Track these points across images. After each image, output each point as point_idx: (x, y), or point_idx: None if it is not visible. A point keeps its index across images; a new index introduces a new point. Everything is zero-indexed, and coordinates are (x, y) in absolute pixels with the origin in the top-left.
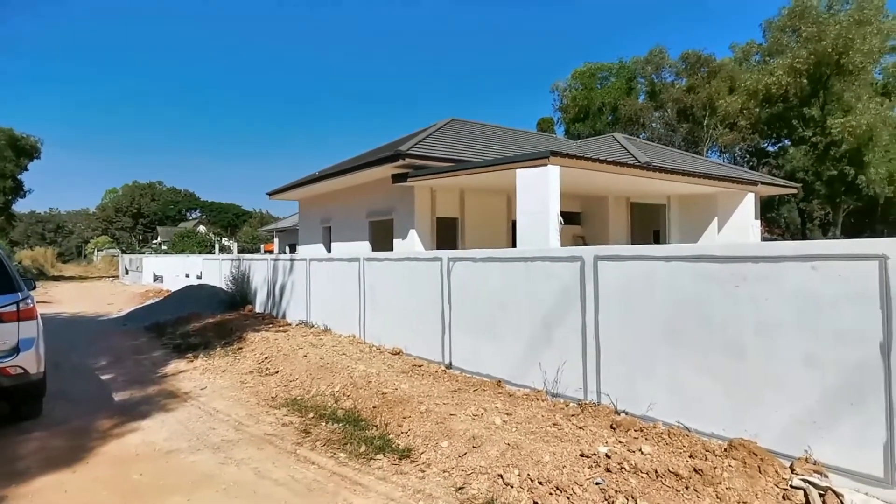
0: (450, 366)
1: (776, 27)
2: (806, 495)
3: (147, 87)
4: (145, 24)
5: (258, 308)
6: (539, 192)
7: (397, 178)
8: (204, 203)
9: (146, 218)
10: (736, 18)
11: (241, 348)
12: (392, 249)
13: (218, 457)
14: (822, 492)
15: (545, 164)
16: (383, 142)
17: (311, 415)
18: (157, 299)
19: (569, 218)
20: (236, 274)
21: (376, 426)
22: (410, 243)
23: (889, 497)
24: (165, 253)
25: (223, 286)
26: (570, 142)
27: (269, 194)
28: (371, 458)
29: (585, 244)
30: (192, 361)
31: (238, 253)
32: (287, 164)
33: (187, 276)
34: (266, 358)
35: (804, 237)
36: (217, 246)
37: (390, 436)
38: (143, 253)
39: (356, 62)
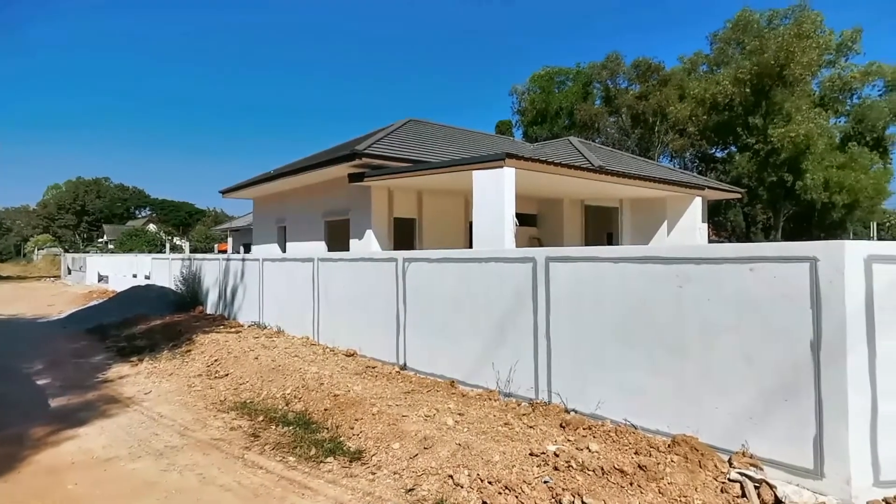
0: (404, 367)
1: (721, 39)
2: (742, 488)
3: (92, 79)
4: (94, 14)
5: (209, 309)
6: (495, 193)
7: (354, 177)
8: (154, 201)
9: (91, 216)
10: (687, 30)
11: (189, 351)
12: (348, 250)
13: (160, 463)
14: (756, 484)
15: (501, 166)
16: (340, 141)
17: (261, 418)
18: (101, 300)
19: (525, 220)
20: (186, 274)
21: (327, 429)
22: (367, 244)
23: (818, 487)
24: (112, 252)
25: (173, 287)
26: (527, 144)
27: (223, 192)
28: (321, 461)
29: (541, 245)
30: (136, 365)
31: (190, 252)
32: (243, 161)
33: (135, 276)
34: (216, 360)
35: (748, 240)
36: (168, 245)
37: (341, 438)
38: (88, 252)
39: (319, 62)
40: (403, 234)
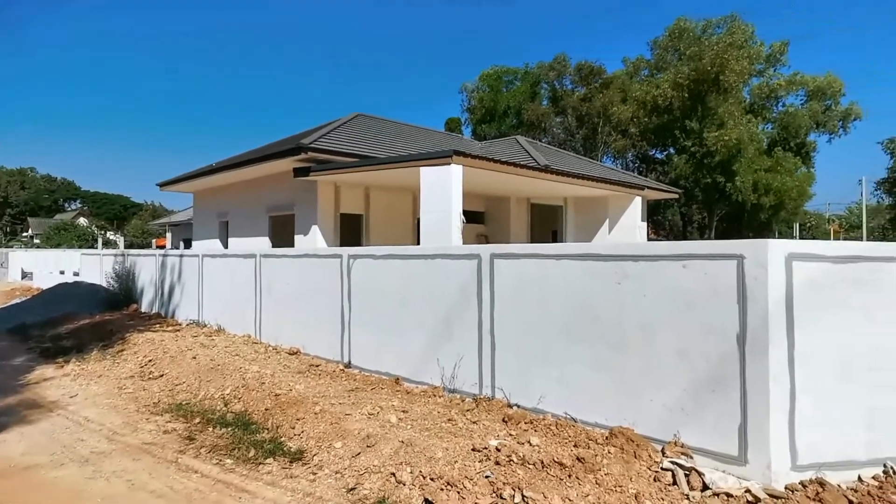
0: (349, 365)
1: (660, 45)
2: (674, 476)
3: (16, 62)
4: None
5: (145, 307)
6: (442, 190)
7: (299, 172)
8: (86, 193)
9: (15, 208)
10: (630, 35)
11: (122, 351)
12: (293, 246)
13: (85, 471)
14: (686, 472)
15: (448, 164)
16: (287, 135)
17: (198, 420)
18: (24, 298)
19: (473, 217)
20: (120, 270)
21: (268, 429)
22: (312, 240)
23: (742, 473)
24: (38, 247)
25: (105, 284)
26: (475, 142)
27: (160, 185)
28: (260, 463)
29: (488, 242)
30: (61, 367)
31: (126, 248)
32: (185, 153)
33: (62, 272)
34: (150, 361)
35: (685, 238)
36: (100, 240)
37: (282, 438)
38: (11, 247)
39: (267, 55)
40: (350, 230)
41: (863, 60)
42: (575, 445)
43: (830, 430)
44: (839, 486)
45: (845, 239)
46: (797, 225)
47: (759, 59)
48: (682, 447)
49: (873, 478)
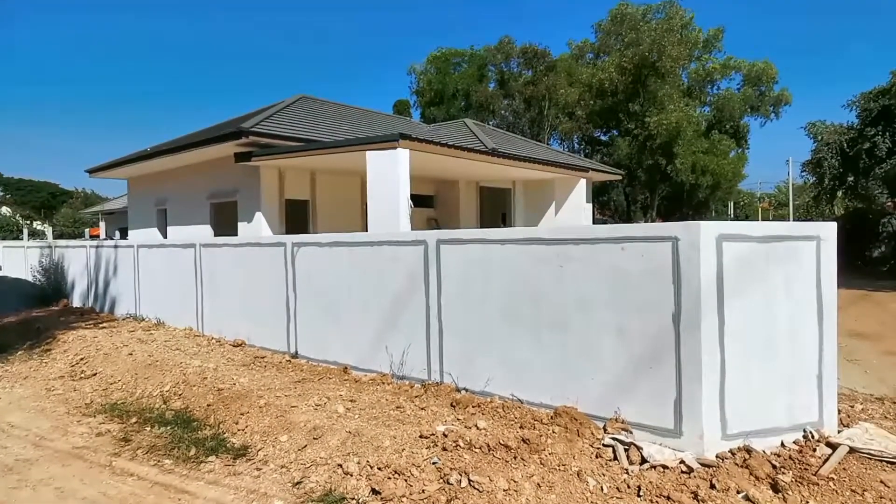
0: (295, 355)
1: (603, 29)
2: (614, 451)
3: None
4: None
5: (77, 302)
6: (390, 175)
7: (241, 157)
8: (9, 180)
9: None
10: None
11: (49, 350)
12: (237, 234)
13: (9, 480)
14: (626, 447)
15: (395, 147)
16: (227, 116)
17: (134, 420)
18: None
19: (422, 201)
20: (47, 264)
21: (210, 426)
22: (257, 227)
23: (677, 445)
24: None
25: (30, 278)
26: (423, 126)
27: (90, 172)
28: (202, 462)
29: (438, 226)
30: None
31: (55, 239)
32: (118, 136)
33: None
34: (82, 359)
35: (629, 218)
36: (26, 231)
37: (225, 435)
38: None
39: (198, 25)
40: (296, 217)
41: (794, 47)
42: (521, 427)
43: (756, 399)
44: (764, 451)
45: (774, 216)
46: (731, 203)
47: (696, 46)
48: (622, 423)
49: (794, 442)
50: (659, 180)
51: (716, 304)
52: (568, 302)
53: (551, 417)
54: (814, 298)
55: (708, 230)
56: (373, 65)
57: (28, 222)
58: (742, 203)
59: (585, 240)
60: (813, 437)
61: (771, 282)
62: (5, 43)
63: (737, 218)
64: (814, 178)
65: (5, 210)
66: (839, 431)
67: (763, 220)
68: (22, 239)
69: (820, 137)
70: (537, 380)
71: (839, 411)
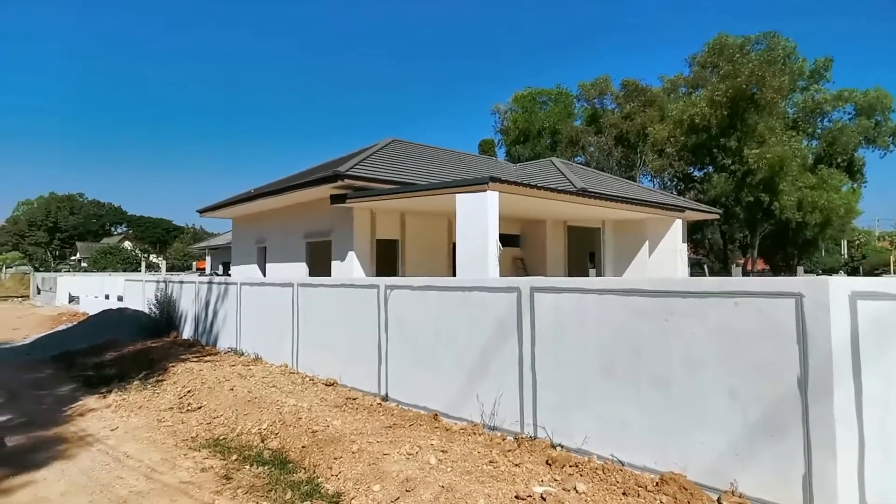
0: (386, 397)
1: (699, 62)
2: None
3: (67, 91)
4: (71, 25)
5: (186, 334)
6: (479, 218)
7: (336, 198)
8: (131, 217)
9: (64, 233)
10: (667, 51)
11: (161, 381)
12: (330, 271)
13: None
14: None
15: (485, 190)
16: (322, 160)
17: (235, 457)
18: (70, 324)
19: (509, 240)
20: (161, 297)
21: (305, 469)
22: (349, 265)
23: None
24: (86, 271)
25: (146, 310)
26: (510, 165)
27: (200, 212)
28: None
29: (525, 266)
30: (103, 397)
31: (168, 271)
32: (224, 177)
33: (107, 297)
34: (189, 391)
35: (726, 258)
36: (144, 263)
37: (319, 479)
38: (60, 271)
39: (294, 80)
40: (386, 256)
41: None
42: (624, 493)
43: None
44: None
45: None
46: (845, 242)
47: (801, 75)
48: (739, 497)
49: None
50: (760, 218)
51: (850, 370)
52: (672, 358)
53: (656, 484)
54: None
55: (839, 287)
56: (456, 105)
57: (146, 255)
58: (857, 242)
59: (693, 293)
60: None
61: None
62: (142, 97)
63: (851, 258)
64: None
65: (127, 244)
66: None
67: (884, 259)
68: (140, 270)
69: None
70: (638, 440)
71: None
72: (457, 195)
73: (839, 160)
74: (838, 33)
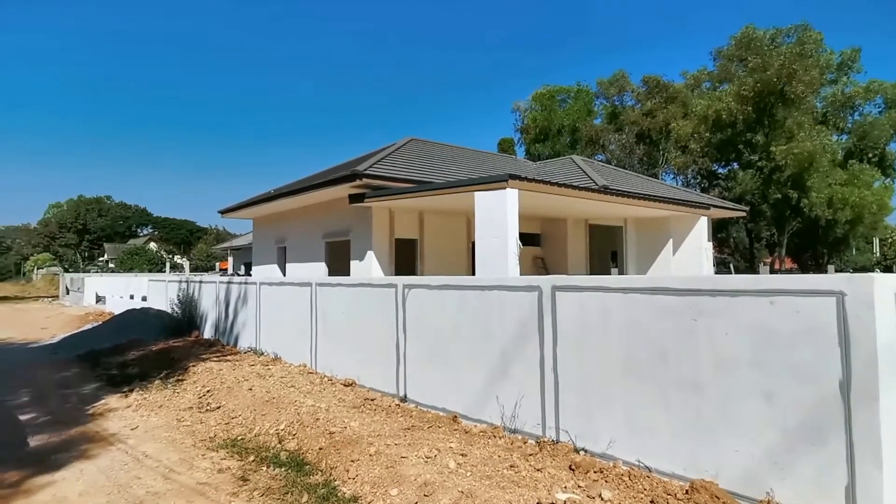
0: (404, 398)
1: (725, 56)
2: None
3: (94, 95)
4: (96, 31)
5: (207, 334)
6: (498, 216)
7: (354, 198)
8: (156, 219)
9: (93, 234)
10: (688, 45)
11: (182, 380)
12: (349, 271)
13: None
14: None
15: (504, 188)
16: (340, 158)
17: (252, 458)
18: (96, 323)
19: (529, 239)
20: (183, 297)
21: (322, 471)
22: (368, 265)
23: None
24: (113, 271)
25: (169, 310)
26: (529, 163)
27: (222, 213)
28: None
29: (545, 265)
30: (125, 396)
31: (191, 271)
32: (246, 178)
33: (132, 297)
34: (208, 391)
35: (752, 256)
36: (168, 264)
37: (336, 482)
38: (88, 271)
39: (315, 78)
40: (405, 255)
41: None
42: (651, 501)
43: None
44: None
45: None
46: (877, 240)
47: (829, 68)
48: None
49: None
50: (788, 215)
51: None
52: (701, 359)
53: (686, 492)
54: None
55: (883, 284)
56: (475, 103)
57: (170, 256)
58: (890, 240)
59: (723, 291)
60: None
61: None
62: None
63: (884, 257)
64: None
65: (153, 245)
66: None
67: None
68: (164, 271)
69: None
70: (666, 445)
71: None
72: (476, 193)
73: (870, 155)
74: (859, 24)
